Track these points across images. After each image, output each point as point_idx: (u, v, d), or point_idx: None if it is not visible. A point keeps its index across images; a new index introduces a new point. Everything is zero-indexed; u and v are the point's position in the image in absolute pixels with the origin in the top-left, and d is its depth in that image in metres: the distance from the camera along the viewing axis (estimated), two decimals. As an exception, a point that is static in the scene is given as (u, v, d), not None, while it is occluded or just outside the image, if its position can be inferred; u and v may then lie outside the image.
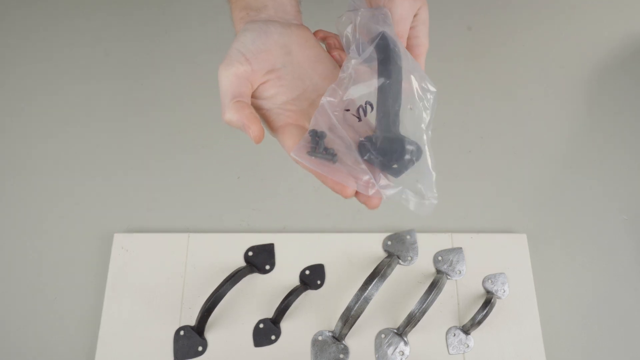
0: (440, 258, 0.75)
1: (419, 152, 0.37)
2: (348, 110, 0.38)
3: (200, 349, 0.67)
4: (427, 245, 0.76)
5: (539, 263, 0.77)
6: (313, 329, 0.70)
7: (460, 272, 0.74)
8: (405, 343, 0.69)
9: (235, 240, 0.74)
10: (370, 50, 0.38)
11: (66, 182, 0.79)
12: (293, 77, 0.40)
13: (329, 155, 0.36)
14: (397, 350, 0.69)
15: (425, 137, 0.38)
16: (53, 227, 0.76)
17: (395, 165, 0.36)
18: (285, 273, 0.73)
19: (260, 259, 0.73)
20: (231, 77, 0.37)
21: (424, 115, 0.38)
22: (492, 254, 0.76)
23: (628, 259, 0.78)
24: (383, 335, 0.70)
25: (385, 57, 0.38)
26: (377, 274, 0.66)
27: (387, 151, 0.36)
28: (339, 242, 0.75)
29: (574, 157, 0.85)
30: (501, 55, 0.93)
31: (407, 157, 0.36)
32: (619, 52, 0.94)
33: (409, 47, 0.43)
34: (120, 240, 0.73)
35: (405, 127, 0.38)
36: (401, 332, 0.69)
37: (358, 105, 0.38)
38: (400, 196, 0.36)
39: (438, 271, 0.74)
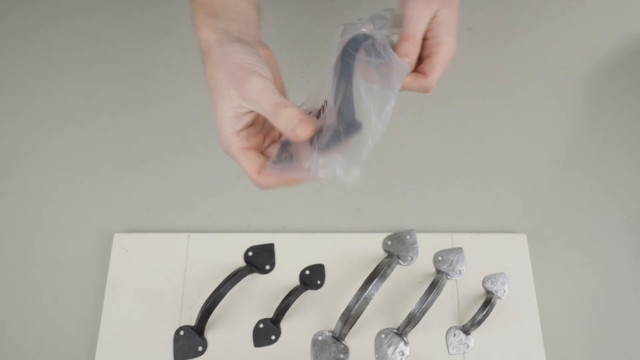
0: (440, 258, 0.75)
1: (351, 127, 0.39)
2: (310, 112, 0.43)
3: (200, 349, 0.67)
4: (427, 245, 0.76)
5: (539, 263, 0.77)
6: (313, 329, 0.70)
7: (460, 272, 0.74)
8: (405, 343, 0.69)
9: (235, 240, 0.74)
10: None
11: (66, 182, 0.79)
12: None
13: (288, 157, 0.41)
14: (397, 350, 0.69)
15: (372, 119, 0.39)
16: (53, 227, 0.76)
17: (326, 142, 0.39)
18: (285, 273, 0.72)
19: (260, 259, 0.73)
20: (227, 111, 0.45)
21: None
22: (492, 254, 0.76)
23: (628, 259, 0.78)
24: (383, 335, 0.70)
25: (337, 61, 0.41)
26: (377, 274, 0.66)
27: (325, 132, 0.39)
28: (339, 242, 0.75)
29: (574, 157, 0.85)
30: (501, 55, 0.93)
31: (334, 134, 0.39)
32: (619, 52, 0.94)
33: (427, 49, 0.44)
34: (120, 240, 0.73)
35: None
36: (401, 332, 0.69)
37: (319, 107, 0.43)
38: (334, 171, 0.38)
39: (438, 271, 0.74)
